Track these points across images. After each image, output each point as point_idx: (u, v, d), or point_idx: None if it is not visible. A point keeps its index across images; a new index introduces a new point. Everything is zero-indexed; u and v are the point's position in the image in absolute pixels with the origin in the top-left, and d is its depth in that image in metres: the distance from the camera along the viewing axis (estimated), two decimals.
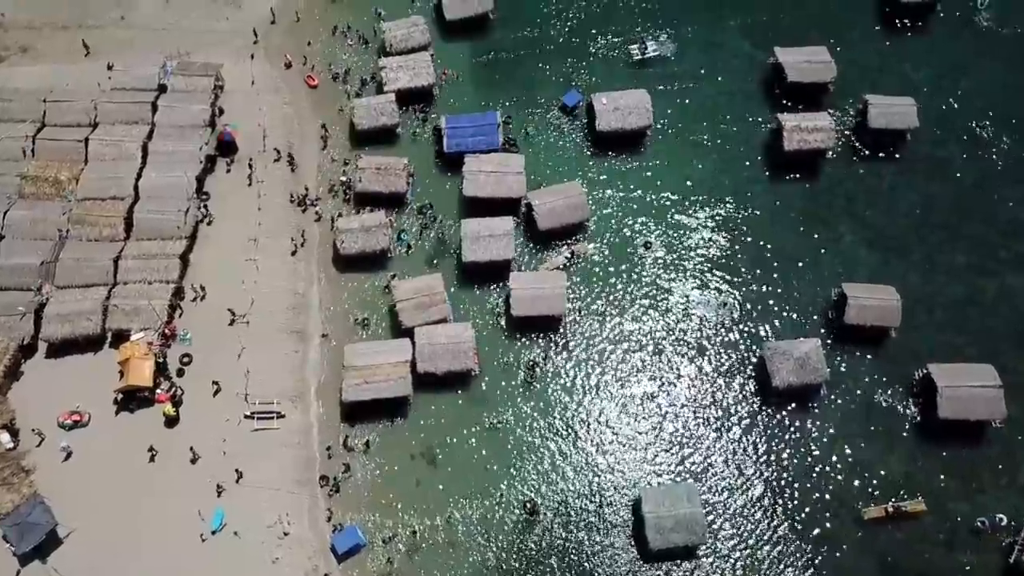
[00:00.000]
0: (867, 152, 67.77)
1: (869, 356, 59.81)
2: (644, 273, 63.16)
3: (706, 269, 63.28)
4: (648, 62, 72.01)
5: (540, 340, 60.42)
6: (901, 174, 67.17)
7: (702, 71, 71.97)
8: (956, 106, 70.08)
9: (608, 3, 75.44)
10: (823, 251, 64.08)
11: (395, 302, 58.92)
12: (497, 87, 70.74)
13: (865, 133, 67.77)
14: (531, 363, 59.37)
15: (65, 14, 71.96)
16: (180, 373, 57.45)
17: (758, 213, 65.56)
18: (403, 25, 70.66)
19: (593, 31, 73.84)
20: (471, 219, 62.05)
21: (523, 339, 60.38)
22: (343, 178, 65.17)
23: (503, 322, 60.80)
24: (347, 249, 61.26)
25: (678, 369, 59.88)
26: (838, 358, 59.47)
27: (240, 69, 69.60)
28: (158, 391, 56.07)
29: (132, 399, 55.72)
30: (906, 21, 74.19)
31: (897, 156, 67.66)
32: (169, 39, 70.42)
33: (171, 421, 55.68)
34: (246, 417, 56.06)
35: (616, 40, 73.20)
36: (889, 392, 58.66)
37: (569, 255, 63.19)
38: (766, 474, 56.45)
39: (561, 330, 60.69)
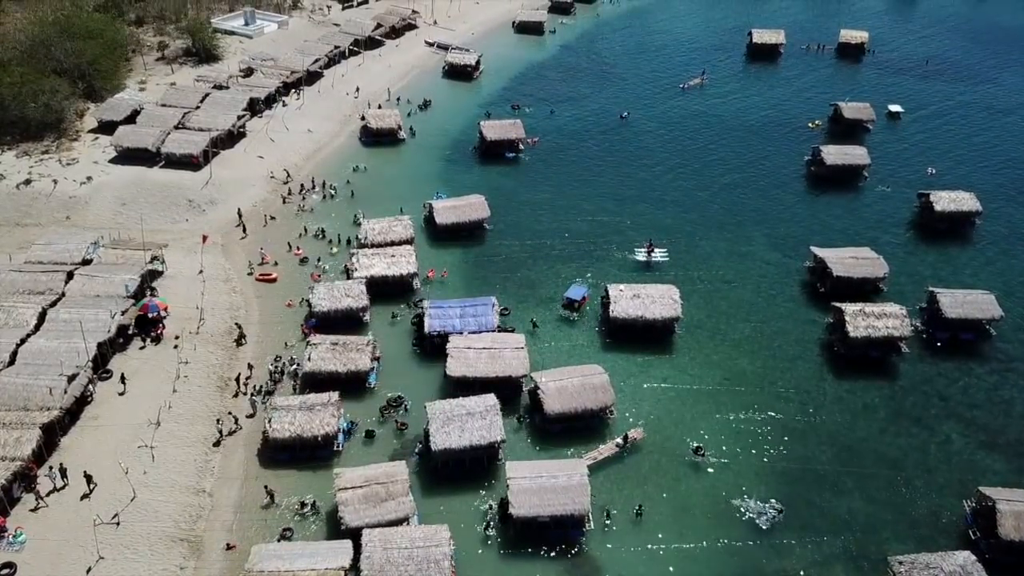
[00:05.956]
0: (945, 347, 55.69)
1: None
2: (695, 477, 45.28)
3: (777, 475, 45.62)
4: (659, 266, 62.55)
5: (552, 556, 40.38)
6: (1001, 372, 54.27)
7: (734, 275, 62.37)
8: None
9: (613, 222, 68.42)
10: (929, 455, 47.56)
11: (335, 490, 40.35)
12: (491, 286, 59.32)
13: (939, 326, 56.04)
14: None
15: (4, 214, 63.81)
16: None
17: (830, 414, 50.29)
18: (383, 221, 62.35)
19: (600, 241, 65.50)
20: (440, 400, 46.33)
21: (528, 554, 40.32)
22: (289, 357, 50.80)
23: (497, 530, 41.36)
24: (278, 433, 44.20)
25: None
26: None
27: (188, 260, 59.08)
28: None
29: None
30: (945, 231, 68.36)
31: (985, 353, 55.74)
32: (113, 234, 60.93)
33: None
34: None
35: (625, 247, 64.46)
36: None
37: (622, 440, 46.32)
38: None
39: (584, 543, 40.97)
